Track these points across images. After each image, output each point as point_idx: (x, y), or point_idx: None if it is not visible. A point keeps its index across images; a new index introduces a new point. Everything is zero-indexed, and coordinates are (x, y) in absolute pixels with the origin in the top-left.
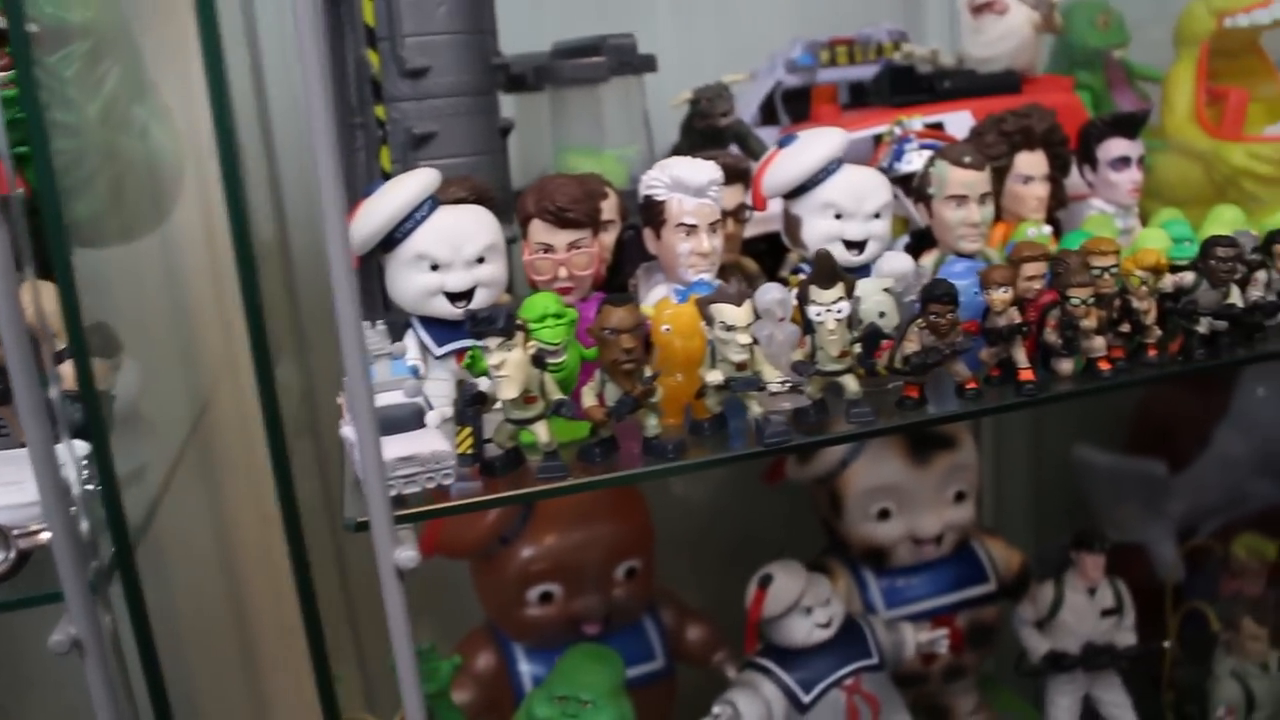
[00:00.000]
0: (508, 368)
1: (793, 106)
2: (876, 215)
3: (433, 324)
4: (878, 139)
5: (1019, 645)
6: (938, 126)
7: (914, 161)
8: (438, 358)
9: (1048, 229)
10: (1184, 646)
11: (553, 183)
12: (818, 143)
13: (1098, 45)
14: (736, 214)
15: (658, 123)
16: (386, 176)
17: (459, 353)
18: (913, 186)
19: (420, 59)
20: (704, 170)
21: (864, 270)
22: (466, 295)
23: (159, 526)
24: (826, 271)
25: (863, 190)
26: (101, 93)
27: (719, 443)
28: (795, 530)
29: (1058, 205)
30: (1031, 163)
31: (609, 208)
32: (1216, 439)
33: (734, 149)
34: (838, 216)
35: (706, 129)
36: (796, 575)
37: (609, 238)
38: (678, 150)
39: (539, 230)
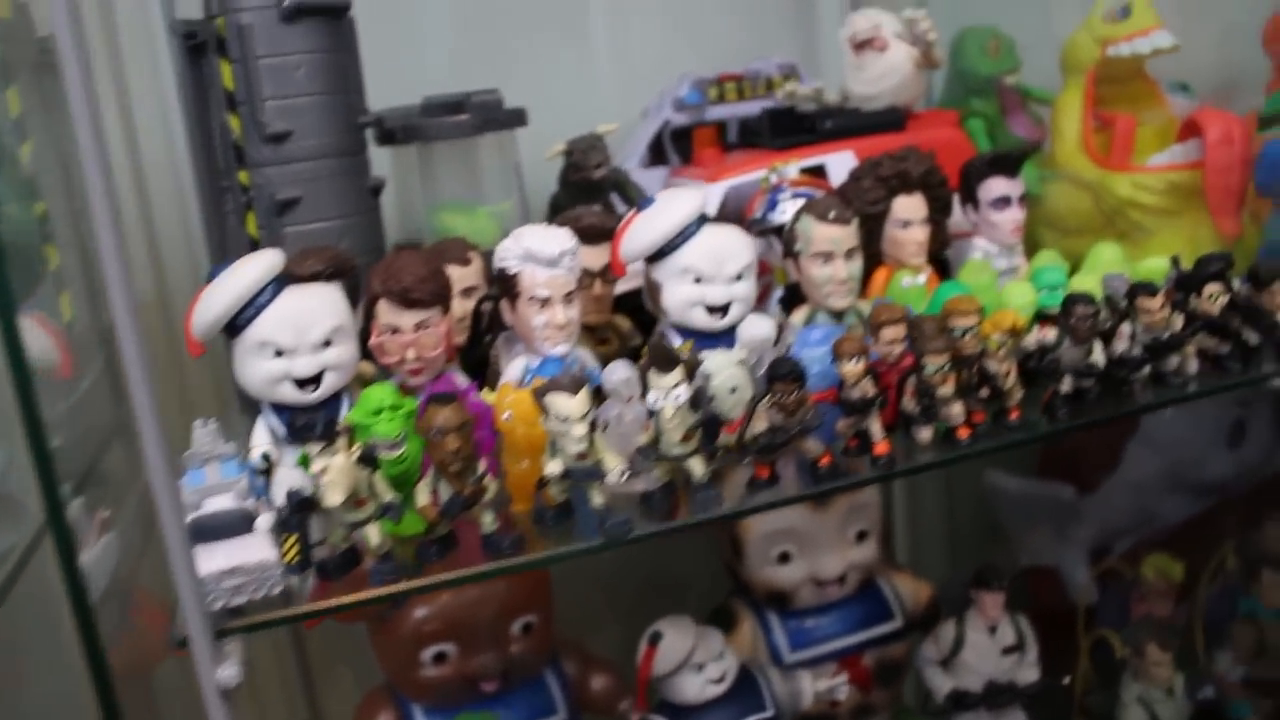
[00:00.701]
0: (331, 474)
1: (682, 146)
2: (739, 277)
3: (284, 409)
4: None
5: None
6: (819, 169)
7: (788, 211)
8: (290, 443)
9: (922, 278)
10: (1095, 672)
11: (399, 261)
12: (675, 206)
13: (989, 73)
14: (605, 274)
15: (540, 170)
16: (254, 243)
17: None
18: (782, 241)
19: (280, 123)
20: (556, 241)
21: (728, 335)
22: (315, 380)
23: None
24: (662, 358)
25: (723, 253)
26: None
27: (564, 533)
28: (702, 572)
29: (940, 246)
30: (910, 207)
31: (473, 273)
32: (1126, 459)
33: (614, 198)
34: (698, 280)
35: (581, 181)
36: (686, 632)
37: (472, 303)
38: (556, 202)
39: (385, 311)
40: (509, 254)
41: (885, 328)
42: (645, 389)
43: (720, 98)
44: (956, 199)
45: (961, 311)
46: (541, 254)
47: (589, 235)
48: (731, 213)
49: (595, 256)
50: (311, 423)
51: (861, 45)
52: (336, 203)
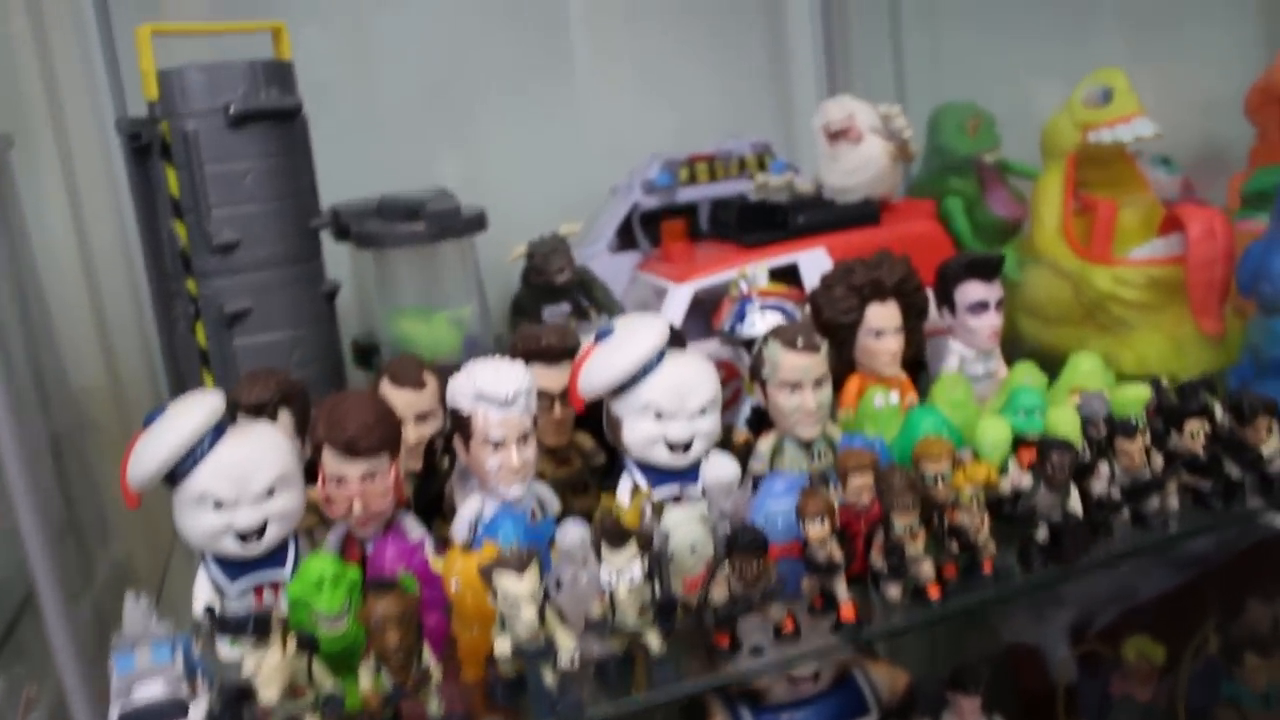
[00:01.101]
0: (265, 671)
1: (651, 229)
2: (702, 412)
3: (227, 560)
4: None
5: None
6: (791, 268)
7: (757, 325)
8: (234, 599)
9: (895, 397)
10: None
11: (343, 407)
12: (634, 340)
13: (967, 152)
14: (564, 396)
15: (504, 252)
16: (203, 354)
17: (258, 589)
18: (749, 365)
19: (228, 233)
20: (510, 381)
21: (691, 473)
22: (258, 531)
23: None
24: (614, 534)
25: (685, 388)
26: None
27: (516, 711)
28: None
29: (915, 352)
30: (883, 316)
31: (429, 395)
32: None
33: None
34: (659, 416)
35: (544, 284)
36: None
37: (428, 429)
38: (518, 303)
39: (330, 460)
40: (461, 394)
41: (853, 475)
42: (600, 560)
43: (691, 179)
44: (933, 298)
45: (932, 456)
46: (494, 395)
47: (548, 356)
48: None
49: (554, 378)
50: (243, 620)
51: (835, 135)
52: (288, 312)
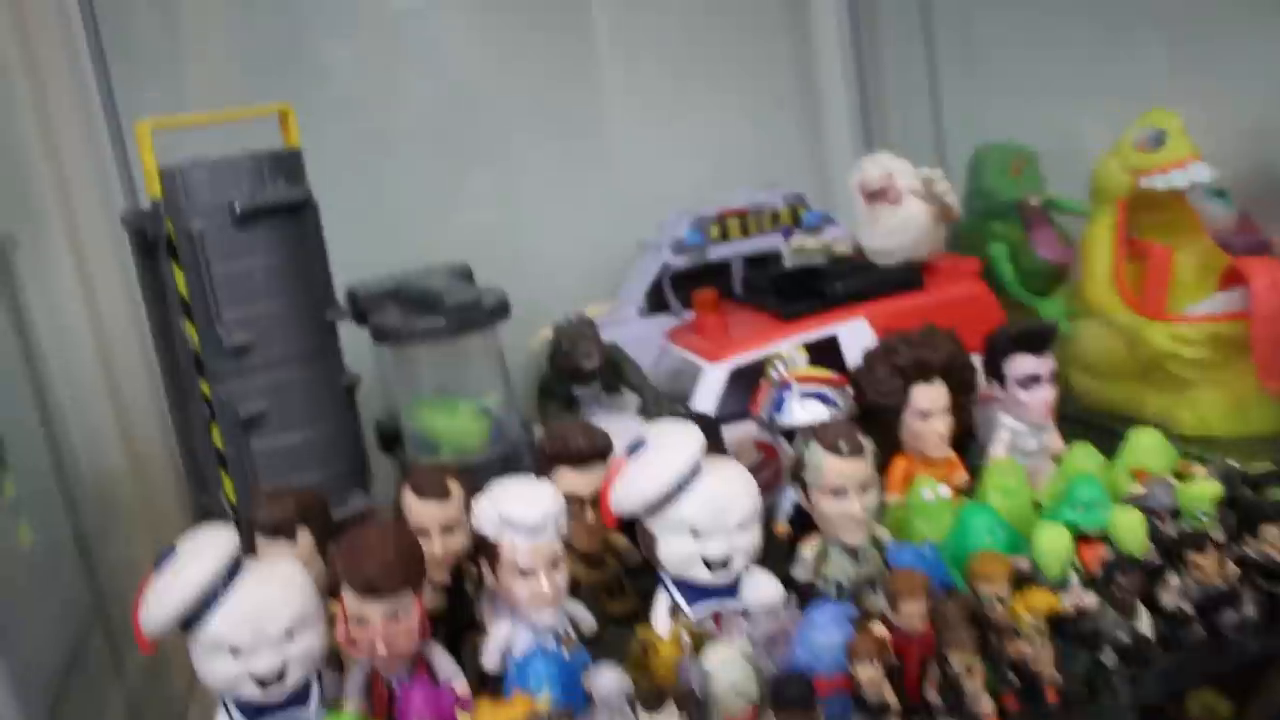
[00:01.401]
0: None
1: (683, 290)
2: (741, 526)
3: (248, 703)
4: (762, 366)
5: None
6: (831, 340)
7: (796, 413)
8: None
9: (945, 490)
10: None
11: (362, 545)
12: (669, 456)
13: (1011, 196)
14: (596, 501)
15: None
16: (221, 457)
17: None
18: (790, 465)
19: (240, 335)
20: (537, 508)
21: (730, 590)
22: (278, 675)
23: None
24: (651, 696)
25: (723, 504)
26: None
27: None
28: None
29: (964, 430)
30: (930, 397)
31: (454, 506)
32: None
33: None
34: (696, 534)
35: (572, 370)
36: None
37: (455, 542)
38: (545, 387)
39: (351, 600)
40: (487, 519)
41: (904, 601)
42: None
43: (723, 235)
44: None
45: (989, 577)
46: (522, 523)
47: (579, 459)
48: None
49: (585, 482)
50: None
51: (873, 195)
52: (307, 411)
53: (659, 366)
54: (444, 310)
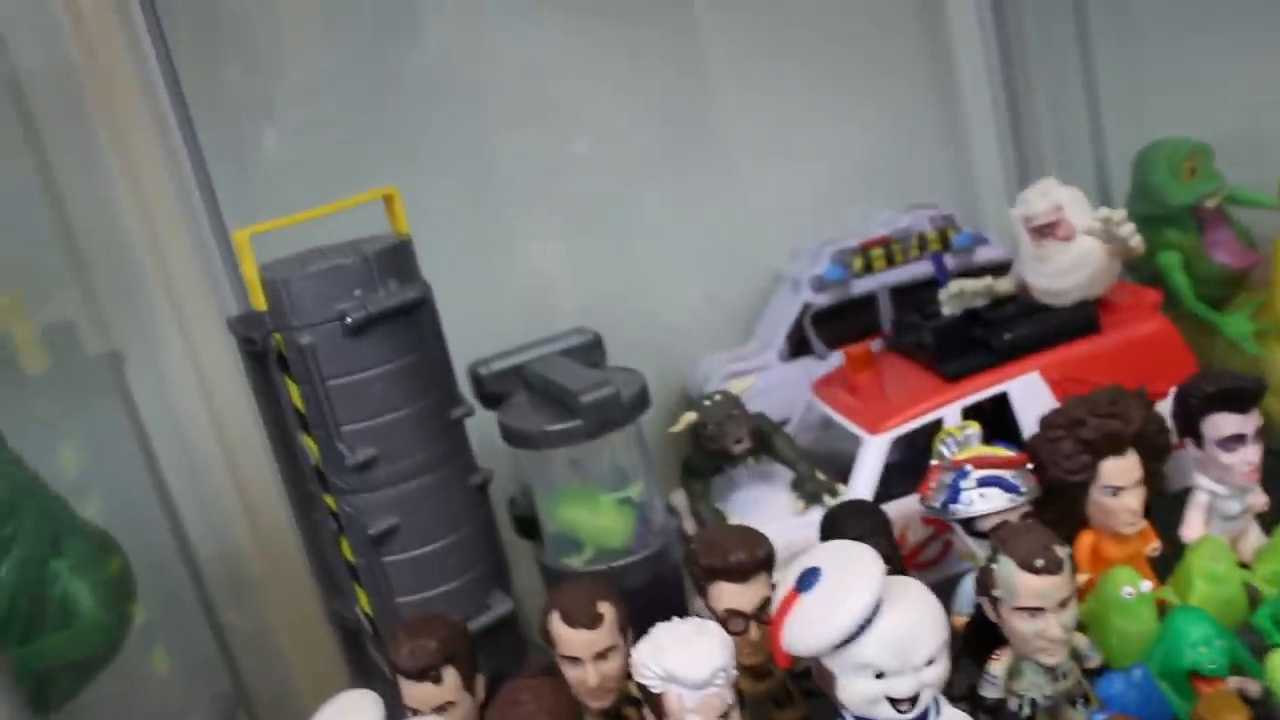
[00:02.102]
0: None
1: (826, 329)
2: (930, 662)
3: None
4: (934, 430)
5: None
6: (1000, 398)
7: (974, 503)
8: None
9: (1147, 585)
10: None
11: (517, 711)
12: (850, 597)
13: (1184, 201)
14: (759, 615)
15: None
16: (353, 570)
17: None
18: (976, 580)
19: (363, 449)
20: (704, 663)
21: None
22: None
23: None
24: None
25: (909, 643)
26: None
27: None
28: None
29: (1156, 495)
30: (1121, 471)
31: (606, 632)
32: None
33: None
34: (879, 675)
35: (719, 452)
36: None
37: (611, 666)
38: (690, 466)
39: None
40: (649, 671)
41: None
42: None
43: (866, 267)
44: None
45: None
46: (688, 680)
47: (738, 574)
48: None
49: (746, 596)
50: None
51: (1042, 231)
52: (439, 519)
53: (806, 418)
54: (580, 410)
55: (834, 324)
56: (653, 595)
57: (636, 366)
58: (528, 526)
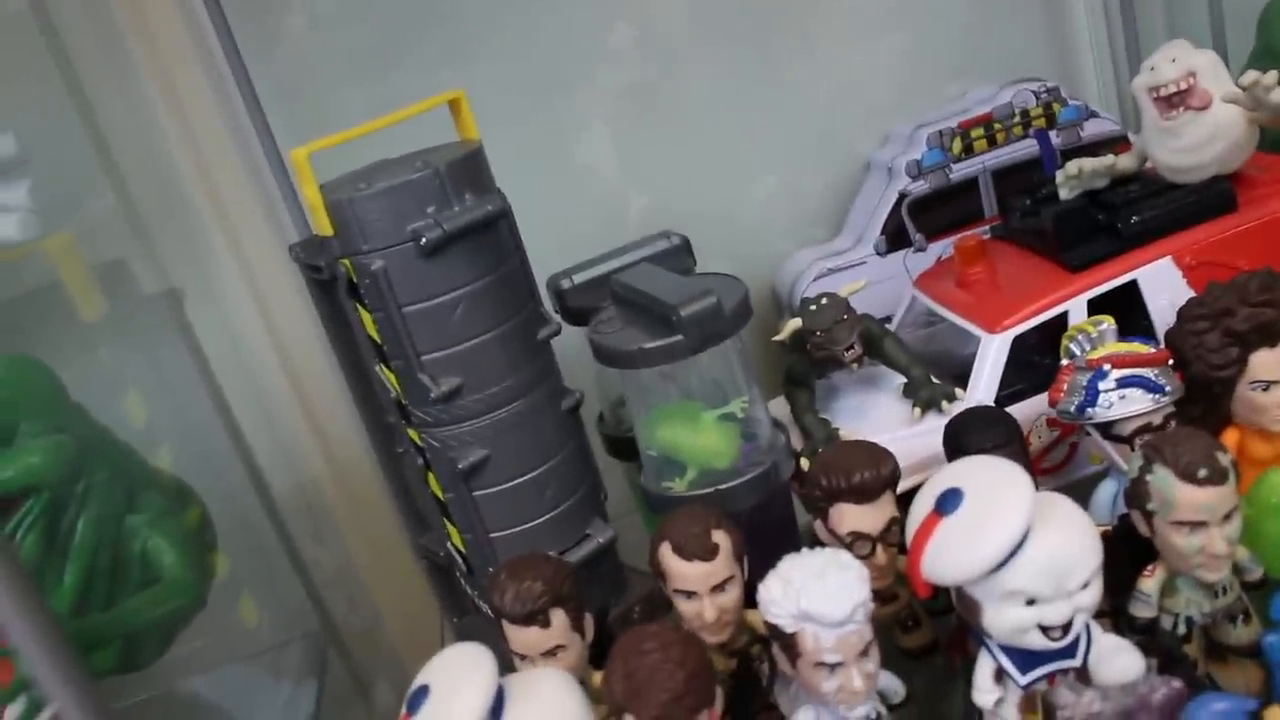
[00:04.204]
0: None
1: (924, 217)
2: (1085, 586)
3: None
4: (1059, 327)
5: None
6: (1130, 287)
7: (1114, 405)
8: None
9: None
10: None
11: (641, 675)
12: (997, 523)
13: None
14: (887, 536)
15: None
16: (442, 505)
17: None
18: (1126, 491)
19: (446, 379)
20: (844, 600)
21: (1068, 651)
22: None
23: None
24: None
25: (1063, 565)
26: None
27: None
28: None
29: None
30: (1273, 363)
31: (723, 562)
32: None
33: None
34: (1031, 603)
35: (828, 359)
36: None
37: (729, 598)
38: (793, 375)
39: None
40: (780, 610)
41: None
42: None
43: (966, 150)
44: None
45: None
46: (826, 619)
47: (863, 494)
48: None
49: (872, 518)
50: None
51: (1171, 100)
52: (532, 449)
53: (907, 317)
54: (681, 324)
55: (932, 212)
56: (764, 517)
57: (718, 268)
58: (620, 446)
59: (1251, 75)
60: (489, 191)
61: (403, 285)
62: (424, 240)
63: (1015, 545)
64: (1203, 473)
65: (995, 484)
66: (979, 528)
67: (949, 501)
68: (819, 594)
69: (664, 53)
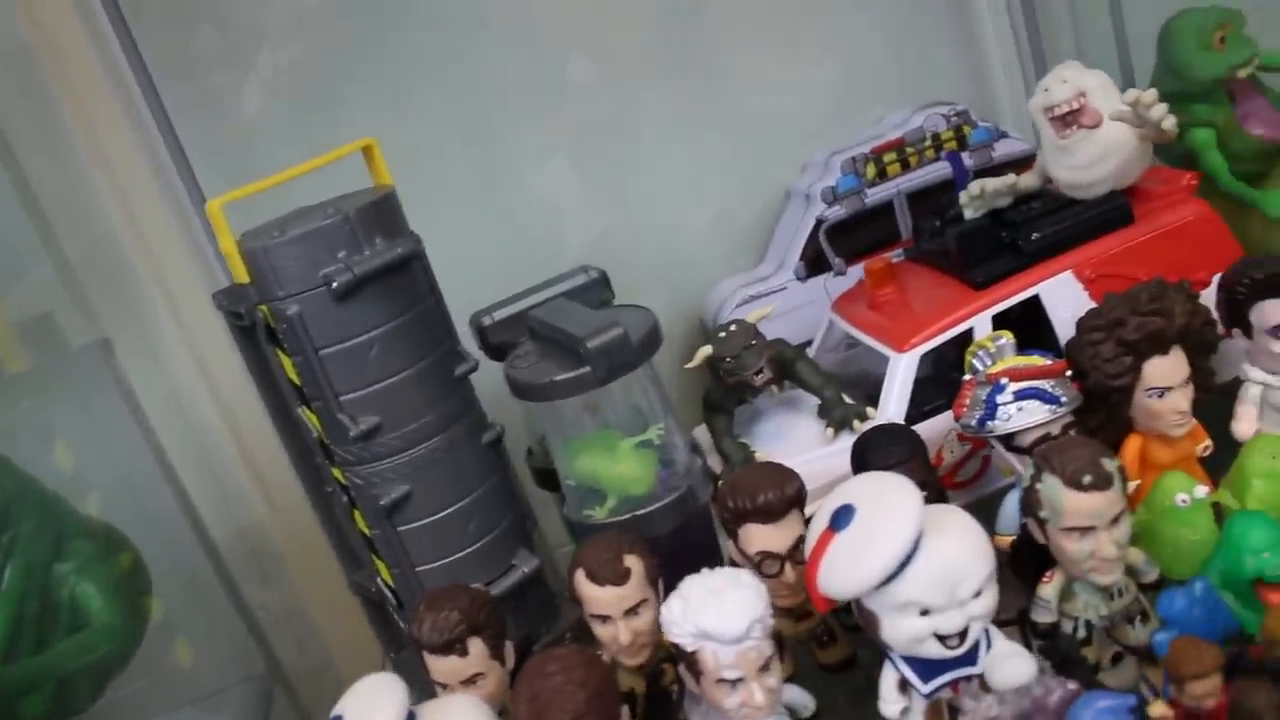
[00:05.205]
0: None
1: (844, 242)
2: (977, 594)
3: None
4: (963, 344)
5: None
6: (1033, 302)
7: (1012, 417)
8: None
9: (1202, 490)
10: None
11: (544, 697)
12: (887, 533)
13: (1215, 74)
14: (794, 555)
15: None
16: (369, 542)
17: None
18: (1020, 500)
19: (365, 418)
20: (738, 618)
21: (968, 658)
22: None
23: None
24: None
25: (954, 577)
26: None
27: None
28: None
29: (1206, 392)
30: (1166, 371)
31: (635, 586)
32: None
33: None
34: (925, 613)
35: (739, 384)
36: None
37: (643, 621)
38: (710, 401)
39: None
40: (680, 629)
41: (1192, 684)
42: None
43: (880, 174)
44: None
45: None
46: (722, 636)
47: (769, 514)
48: None
49: (780, 536)
50: None
51: (1065, 119)
52: (454, 483)
53: (827, 339)
54: (588, 356)
55: (851, 236)
56: (683, 540)
57: (652, 298)
58: (549, 478)
59: (1133, 93)
60: (400, 234)
61: (318, 328)
62: (335, 284)
63: (905, 557)
64: (1087, 479)
65: (885, 499)
66: (869, 542)
67: (841, 518)
68: (715, 612)
69: (599, 91)
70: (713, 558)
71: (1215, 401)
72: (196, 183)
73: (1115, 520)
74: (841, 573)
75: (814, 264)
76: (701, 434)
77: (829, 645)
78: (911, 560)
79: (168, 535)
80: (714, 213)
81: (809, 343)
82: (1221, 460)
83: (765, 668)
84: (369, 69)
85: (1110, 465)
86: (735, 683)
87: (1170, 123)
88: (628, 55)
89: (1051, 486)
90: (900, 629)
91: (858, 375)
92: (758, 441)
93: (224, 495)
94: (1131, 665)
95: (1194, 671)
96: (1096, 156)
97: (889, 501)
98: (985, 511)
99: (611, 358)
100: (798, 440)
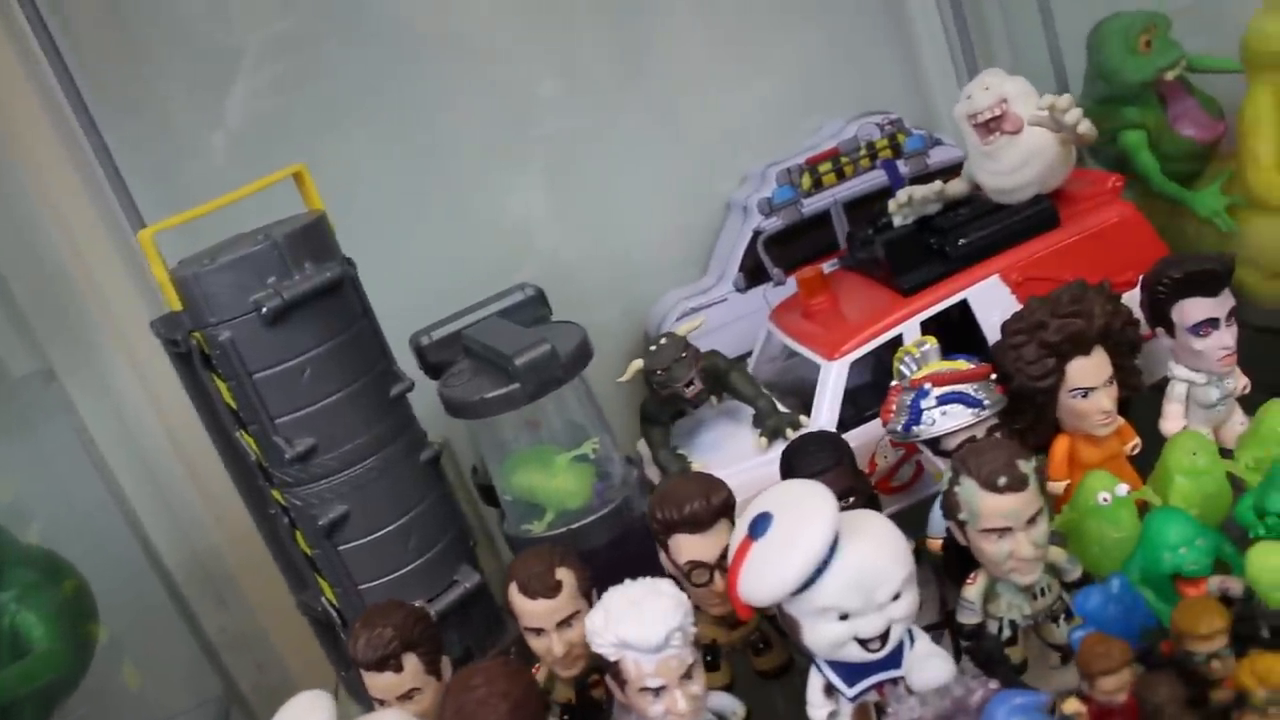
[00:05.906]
0: None
1: (780, 251)
2: (896, 597)
3: None
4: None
5: None
6: (961, 306)
7: (937, 421)
8: None
9: (1124, 488)
10: None
11: (470, 708)
12: (802, 539)
13: (1143, 77)
14: (722, 564)
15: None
16: (311, 561)
17: None
18: (941, 503)
19: (300, 440)
20: (658, 625)
21: (892, 660)
22: None
23: None
24: None
25: (871, 581)
26: None
27: None
28: None
29: (1132, 391)
30: (1089, 371)
31: (567, 597)
32: None
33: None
34: (844, 617)
35: (673, 397)
36: None
37: (575, 633)
38: (647, 414)
39: None
40: (602, 640)
41: (1102, 680)
42: None
43: (815, 185)
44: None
45: (1202, 635)
46: (642, 646)
47: (696, 524)
48: None
49: (708, 546)
50: None
51: (987, 126)
52: (392, 502)
53: (767, 349)
54: (516, 373)
55: (790, 247)
56: (621, 551)
57: (605, 312)
58: (492, 494)
59: (1049, 99)
60: (331, 258)
61: (250, 353)
62: (265, 310)
63: (820, 562)
64: (1002, 481)
65: (801, 505)
66: (786, 548)
67: (759, 525)
68: (635, 622)
69: (548, 111)
70: (651, 568)
71: (1147, 400)
72: (138, 212)
73: (1032, 520)
74: (760, 579)
75: (754, 275)
76: (643, 446)
77: (764, 652)
78: (828, 565)
79: (119, 561)
80: (665, 227)
81: (749, 353)
82: (1152, 458)
83: (688, 675)
84: (315, 94)
85: (1026, 466)
86: (658, 691)
87: (1085, 126)
88: (579, 74)
89: (969, 489)
90: (821, 634)
91: (795, 384)
92: (696, 452)
93: (176, 520)
94: None
95: (1103, 668)
96: (1019, 161)
97: (805, 508)
98: (922, 516)
99: (540, 374)
100: (734, 450)
